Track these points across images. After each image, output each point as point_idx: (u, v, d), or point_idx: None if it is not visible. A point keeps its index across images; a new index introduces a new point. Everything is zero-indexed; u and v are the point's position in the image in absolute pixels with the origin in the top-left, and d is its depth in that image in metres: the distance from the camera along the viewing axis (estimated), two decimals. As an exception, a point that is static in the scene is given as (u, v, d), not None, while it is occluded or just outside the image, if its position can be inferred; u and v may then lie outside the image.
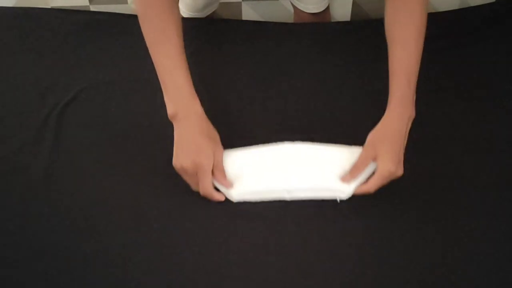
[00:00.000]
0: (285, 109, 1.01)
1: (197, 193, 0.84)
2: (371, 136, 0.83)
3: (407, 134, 0.83)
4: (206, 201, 0.84)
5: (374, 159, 0.80)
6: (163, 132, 0.96)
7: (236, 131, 0.93)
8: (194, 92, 0.84)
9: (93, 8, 1.57)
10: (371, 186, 0.80)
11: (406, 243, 0.79)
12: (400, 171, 0.80)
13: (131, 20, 1.23)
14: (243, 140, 0.90)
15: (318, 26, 1.24)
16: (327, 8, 1.33)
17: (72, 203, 0.84)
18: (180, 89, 0.84)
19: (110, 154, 0.92)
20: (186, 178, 0.83)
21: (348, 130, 0.95)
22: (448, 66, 1.10)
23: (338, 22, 1.42)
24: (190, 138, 0.82)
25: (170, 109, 0.84)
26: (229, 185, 0.83)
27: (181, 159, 0.81)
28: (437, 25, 1.20)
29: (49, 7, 1.50)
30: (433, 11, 1.56)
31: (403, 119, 0.83)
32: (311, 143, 0.87)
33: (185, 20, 1.25)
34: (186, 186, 0.86)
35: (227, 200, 0.84)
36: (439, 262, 0.77)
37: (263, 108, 1.01)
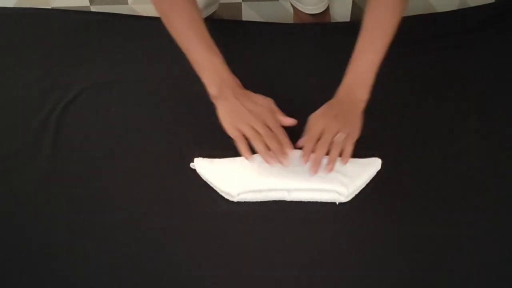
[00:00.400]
0: (285, 110, 1.00)
1: (197, 193, 0.84)
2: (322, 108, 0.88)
3: (360, 112, 0.85)
4: (206, 201, 0.84)
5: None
6: (163, 132, 0.96)
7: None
8: (229, 69, 0.89)
9: (93, 8, 1.57)
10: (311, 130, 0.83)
11: (406, 242, 0.79)
12: (332, 124, 0.82)
13: (131, 21, 1.23)
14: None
15: (318, 27, 1.24)
16: (327, 9, 1.33)
17: (72, 203, 0.84)
18: (220, 71, 0.88)
19: (110, 154, 0.92)
20: (249, 129, 0.82)
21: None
22: (448, 66, 1.10)
23: (338, 22, 1.43)
24: (242, 99, 0.85)
25: (214, 91, 0.87)
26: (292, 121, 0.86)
27: (242, 113, 0.83)
28: (437, 25, 1.20)
29: (50, 7, 1.50)
30: (433, 11, 1.56)
31: (349, 99, 0.87)
32: None
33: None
34: (186, 186, 0.86)
35: (227, 199, 0.84)
36: (439, 261, 0.77)
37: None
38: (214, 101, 0.87)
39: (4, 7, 1.26)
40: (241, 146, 0.81)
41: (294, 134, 0.89)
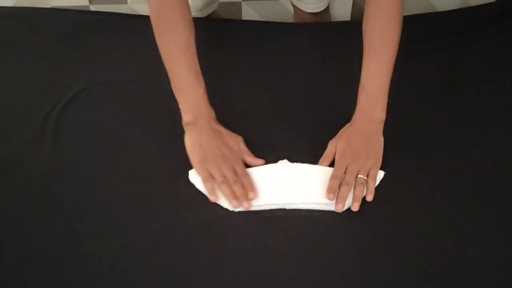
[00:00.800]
0: (285, 109, 1.01)
1: (197, 193, 0.84)
2: (340, 133, 0.90)
3: (380, 136, 0.88)
4: (206, 201, 0.84)
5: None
6: (162, 132, 0.96)
7: (236, 131, 0.93)
8: (208, 101, 0.91)
9: (93, 8, 1.57)
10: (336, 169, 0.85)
11: (406, 243, 0.79)
12: (355, 165, 0.84)
13: (131, 20, 1.23)
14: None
15: (318, 26, 1.24)
16: (327, 8, 1.33)
17: (72, 203, 0.84)
18: (201, 98, 0.90)
19: (110, 154, 0.92)
20: (215, 168, 0.84)
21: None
22: (448, 65, 1.10)
23: (338, 22, 1.42)
24: (214, 134, 0.88)
25: (188, 117, 0.88)
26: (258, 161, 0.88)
27: (212, 151, 0.86)
28: (437, 25, 1.20)
29: (49, 7, 1.50)
30: (433, 11, 1.56)
31: (362, 121, 0.89)
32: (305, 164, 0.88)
33: (185, 20, 1.26)
34: (186, 186, 0.86)
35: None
36: (439, 261, 0.77)
37: (263, 108, 1.01)
38: (185, 127, 0.89)
39: (3, 6, 1.26)
40: (208, 186, 0.84)
41: (288, 131, 0.89)
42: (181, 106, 0.89)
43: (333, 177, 0.84)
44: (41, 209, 0.83)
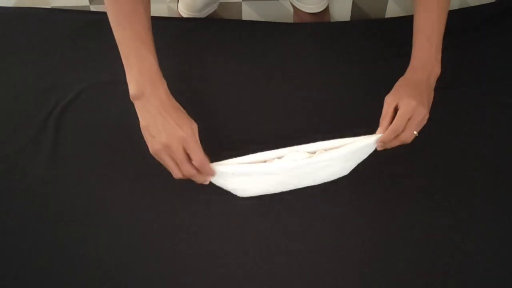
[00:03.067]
0: (285, 109, 1.01)
1: (197, 192, 0.84)
2: (394, 87, 0.84)
3: (432, 90, 0.85)
4: (206, 201, 0.84)
5: (397, 104, 0.81)
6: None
7: (236, 131, 0.93)
8: (159, 70, 0.80)
9: (93, 8, 1.57)
10: (398, 124, 0.79)
11: (406, 243, 0.79)
12: (423, 111, 0.80)
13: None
14: (242, 140, 0.90)
15: (318, 26, 1.24)
16: (327, 8, 1.33)
17: (72, 203, 0.84)
18: (148, 69, 0.79)
19: (110, 154, 0.92)
20: (168, 159, 0.77)
21: (348, 129, 0.95)
22: (448, 65, 1.10)
23: (338, 22, 1.42)
24: (164, 114, 0.77)
25: (133, 89, 0.78)
26: (211, 168, 0.79)
27: (159, 138, 0.76)
28: (437, 25, 1.20)
29: (49, 7, 1.50)
30: (433, 11, 1.56)
31: (424, 73, 0.85)
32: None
33: (185, 20, 1.26)
34: (186, 185, 0.86)
35: (227, 199, 0.84)
36: (439, 261, 0.77)
37: (262, 107, 1.01)
38: (133, 101, 0.79)
39: (3, 6, 1.26)
40: (172, 164, 0.78)
41: (288, 131, 0.89)
42: (127, 79, 0.80)
43: (392, 130, 0.80)
44: (41, 209, 0.83)
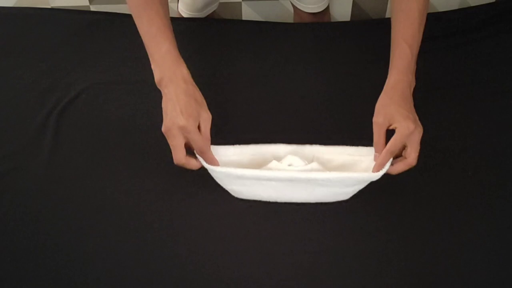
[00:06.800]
0: (285, 109, 1.01)
1: (197, 193, 0.84)
2: (377, 106, 0.82)
3: (412, 101, 0.83)
4: (207, 201, 0.84)
5: (389, 125, 0.79)
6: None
7: (235, 131, 0.93)
8: (179, 56, 0.83)
9: (93, 8, 1.57)
10: (391, 146, 0.77)
11: (407, 242, 0.79)
12: (420, 128, 0.79)
13: (131, 20, 1.23)
14: (242, 140, 0.90)
15: (318, 26, 1.24)
16: (327, 8, 1.33)
17: (72, 203, 0.84)
18: (165, 54, 0.82)
19: (110, 154, 0.92)
20: (170, 142, 0.79)
21: (348, 129, 0.95)
22: (448, 65, 1.10)
23: (338, 22, 1.42)
24: (175, 100, 0.79)
25: (156, 76, 0.82)
26: (213, 159, 0.81)
27: (165, 121, 0.79)
28: (437, 25, 1.20)
29: (49, 7, 1.50)
30: (433, 11, 1.56)
31: (406, 85, 0.83)
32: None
33: (185, 20, 1.26)
34: (187, 185, 0.86)
35: (228, 200, 0.84)
36: (439, 261, 0.77)
37: (262, 107, 1.01)
38: (158, 87, 0.83)
39: (3, 6, 1.26)
40: (173, 148, 0.80)
41: (288, 131, 0.89)
42: (152, 67, 0.83)
43: (388, 150, 0.78)
44: (41, 209, 0.84)
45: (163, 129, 0.79)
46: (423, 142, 0.89)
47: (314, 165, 0.82)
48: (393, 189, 0.85)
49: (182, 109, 0.78)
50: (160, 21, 0.83)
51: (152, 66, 0.83)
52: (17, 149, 0.93)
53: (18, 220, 0.82)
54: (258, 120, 0.99)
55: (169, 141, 0.79)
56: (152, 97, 1.03)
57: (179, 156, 0.79)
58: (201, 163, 0.81)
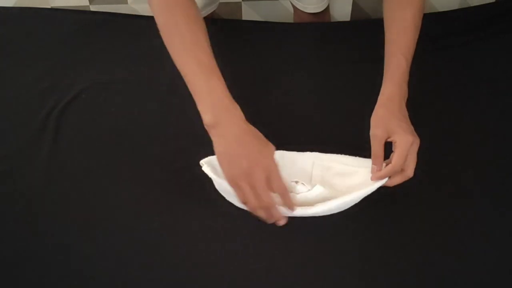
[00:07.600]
0: (285, 109, 1.01)
1: (197, 193, 0.84)
2: (374, 119, 0.82)
3: (407, 112, 0.83)
4: (207, 201, 0.84)
5: (388, 138, 0.79)
6: (163, 131, 0.96)
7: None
8: (232, 98, 0.80)
9: (93, 8, 1.57)
10: (397, 163, 0.76)
11: (405, 243, 0.79)
12: (417, 139, 0.79)
13: (131, 20, 1.23)
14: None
15: (318, 26, 1.24)
16: (327, 8, 1.33)
17: (72, 203, 0.84)
18: (220, 98, 0.79)
19: (110, 154, 0.92)
20: (246, 186, 0.74)
21: (348, 129, 0.95)
22: (448, 65, 1.10)
23: (338, 22, 1.43)
24: (244, 141, 0.76)
25: (208, 119, 0.77)
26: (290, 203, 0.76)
27: (240, 164, 0.74)
28: (437, 25, 1.20)
29: (49, 7, 1.50)
30: (433, 11, 1.56)
31: (402, 97, 0.83)
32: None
33: (185, 20, 1.26)
34: (186, 185, 0.86)
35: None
36: (439, 261, 0.77)
37: (263, 108, 1.01)
38: (208, 130, 0.78)
39: (3, 6, 1.26)
40: (239, 196, 0.76)
41: (288, 131, 0.89)
42: (198, 108, 0.79)
43: (395, 167, 0.77)
44: (41, 209, 0.83)
45: (237, 173, 0.74)
46: (422, 143, 0.89)
47: (318, 189, 0.82)
48: (393, 190, 0.85)
49: (258, 148, 0.76)
50: (208, 61, 0.81)
51: (200, 108, 0.78)
52: (17, 149, 0.93)
53: (18, 220, 0.82)
54: (257, 120, 0.98)
55: (250, 185, 0.73)
56: (152, 97, 1.03)
57: (269, 195, 0.74)
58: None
